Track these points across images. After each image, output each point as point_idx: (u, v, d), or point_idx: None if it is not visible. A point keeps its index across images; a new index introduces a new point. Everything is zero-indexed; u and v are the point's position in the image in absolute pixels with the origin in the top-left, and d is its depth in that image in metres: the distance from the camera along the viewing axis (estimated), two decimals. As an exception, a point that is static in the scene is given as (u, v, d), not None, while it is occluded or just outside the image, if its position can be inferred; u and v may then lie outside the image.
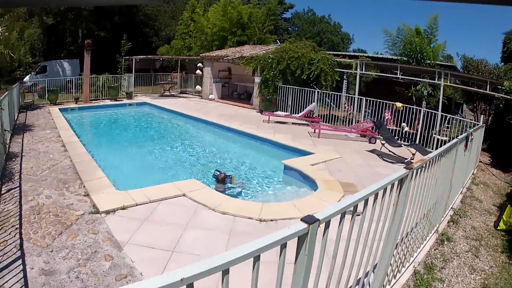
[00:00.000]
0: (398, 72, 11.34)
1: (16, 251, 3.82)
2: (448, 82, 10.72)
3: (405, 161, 8.30)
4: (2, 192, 5.47)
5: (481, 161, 9.33)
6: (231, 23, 21.19)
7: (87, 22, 25.46)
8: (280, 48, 14.70)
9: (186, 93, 19.84)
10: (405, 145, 8.89)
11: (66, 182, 5.94)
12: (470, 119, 14.41)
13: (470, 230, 4.83)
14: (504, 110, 10.89)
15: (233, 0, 22.22)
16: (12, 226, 4.38)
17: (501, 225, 4.68)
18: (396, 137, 10.05)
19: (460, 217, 5.24)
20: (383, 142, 8.98)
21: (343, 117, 12.31)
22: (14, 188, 5.63)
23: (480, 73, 12.17)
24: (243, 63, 15.52)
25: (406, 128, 11.21)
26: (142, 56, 18.55)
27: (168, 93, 18.86)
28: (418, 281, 3.50)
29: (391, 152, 8.98)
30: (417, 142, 10.21)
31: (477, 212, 5.64)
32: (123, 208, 4.95)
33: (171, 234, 4.33)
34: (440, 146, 10.65)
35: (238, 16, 21.18)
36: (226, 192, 6.39)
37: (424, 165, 3.09)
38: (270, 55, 14.39)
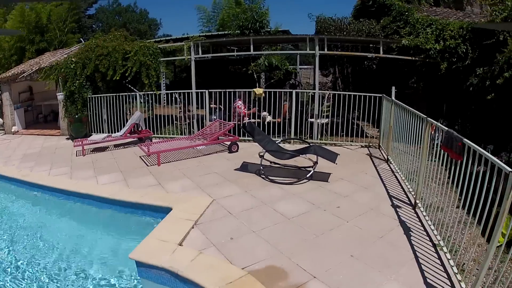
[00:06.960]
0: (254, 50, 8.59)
1: None
2: (326, 49, 8.23)
3: (307, 175, 5.49)
4: None
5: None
6: (29, 30, 16.08)
7: None
8: (84, 47, 10.75)
9: (-14, 131, 14.45)
10: (300, 152, 5.84)
11: None
12: (326, 81, 12.75)
13: None
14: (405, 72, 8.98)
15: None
16: None
17: (501, 240, 2.52)
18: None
19: None
20: (262, 154, 5.76)
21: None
22: None
23: (345, 33, 10.12)
24: (42, 77, 11.10)
25: (269, 118, 8.67)
26: None
27: (-33, 136, 13.35)
28: None
29: (274, 163, 6.11)
30: (293, 134, 7.76)
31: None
32: None
33: None
34: (325, 131, 7.94)
35: (36, 18, 16.19)
36: None
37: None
38: (73, 59, 10.33)
